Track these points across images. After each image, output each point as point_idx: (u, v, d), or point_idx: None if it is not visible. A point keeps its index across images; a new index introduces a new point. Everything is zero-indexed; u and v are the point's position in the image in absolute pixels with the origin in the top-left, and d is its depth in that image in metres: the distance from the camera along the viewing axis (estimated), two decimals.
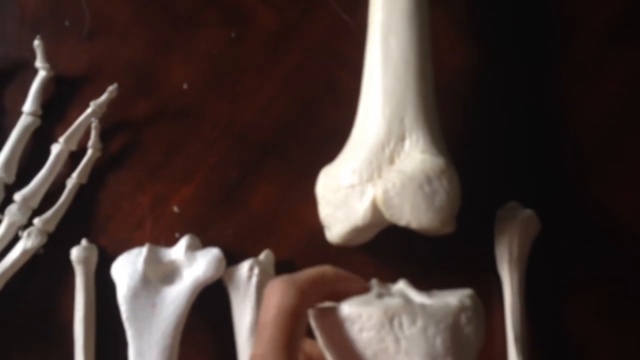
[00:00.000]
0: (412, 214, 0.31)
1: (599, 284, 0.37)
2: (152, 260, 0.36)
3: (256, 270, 0.36)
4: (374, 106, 0.34)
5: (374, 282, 0.27)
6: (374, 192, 0.32)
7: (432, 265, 0.37)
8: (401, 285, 0.27)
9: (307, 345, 0.28)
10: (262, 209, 0.39)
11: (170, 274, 0.36)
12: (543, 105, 0.40)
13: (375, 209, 0.32)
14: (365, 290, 0.27)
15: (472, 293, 0.26)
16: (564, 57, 0.40)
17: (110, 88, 0.39)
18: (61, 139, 0.38)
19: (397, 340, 0.25)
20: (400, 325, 0.25)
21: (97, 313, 0.37)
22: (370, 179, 0.33)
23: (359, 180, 0.33)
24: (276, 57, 0.41)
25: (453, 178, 0.32)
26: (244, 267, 0.36)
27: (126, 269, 0.35)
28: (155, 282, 0.35)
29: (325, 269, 0.26)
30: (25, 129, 0.39)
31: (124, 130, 0.40)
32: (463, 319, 0.25)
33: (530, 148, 0.39)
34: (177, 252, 0.36)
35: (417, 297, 0.26)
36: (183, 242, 0.36)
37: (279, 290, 0.25)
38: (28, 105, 0.39)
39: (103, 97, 0.39)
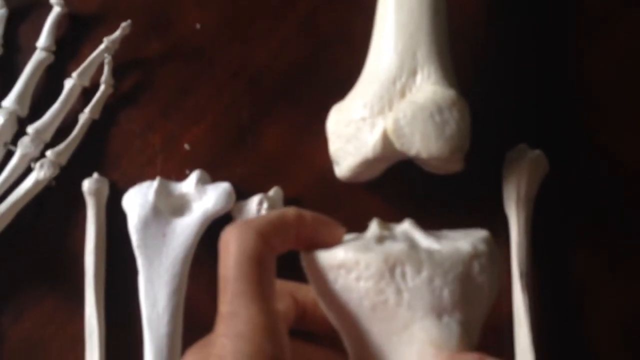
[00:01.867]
0: (422, 143, 0.31)
1: (605, 227, 0.38)
2: (163, 193, 0.36)
3: (265, 205, 0.36)
4: (386, 41, 0.34)
5: (374, 222, 0.24)
6: (384, 124, 0.32)
7: (440, 205, 0.37)
8: (406, 226, 0.24)
9: (300, 291, 0.25)
10: (272, 149, 0.39)
11: (180, 207, 0.36)
12: (554, 52, 0.40)
13: (385, 140, 0.32)
14: (340, 238, 0.24)
15: (487, 236, 0.23)
16: (578, 5, 0.40)
17: (124, 24, 0.39)
18: (74, 74, 0.39)
19: (398, 292, 0.22)
20: (403, 275, 0.22)
21: (107, 245, 0.37)
22: (381, 112, 0.33)
23: (370, 113, 0.33)
24: (291, 0, 0.41)
25: (464, 109, 0.32)
26: (254, 201, 0.36)
27: (137, 200, 0.36)
28: (166, 213, 0.35)
29: (287, 211, 0.23)
30: (39, 63, 0.39)
31: (137, 69, 0.40)
32: (476, 267, 0.22)
33: (540, 93, 0.39)
34: (188, 185, 0.37)
35: (424, 240, 0.23)
36: (193, 176, 0.37)
37: (235, 236, 0.21)
38: (42, 41, 0.39)
39: (116, 34, 0.39)
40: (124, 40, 0.40)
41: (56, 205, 0.38)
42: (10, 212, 0.37)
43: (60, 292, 0.37)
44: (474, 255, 0.22)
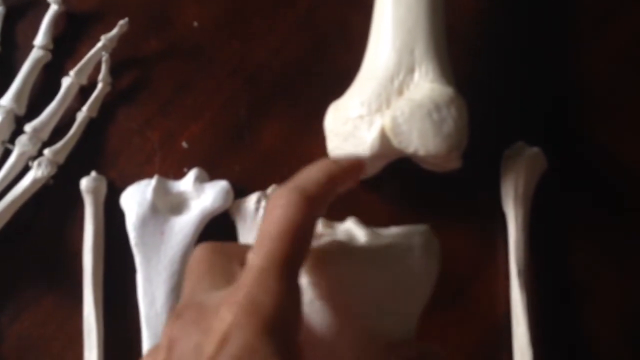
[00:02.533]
0: (419, 141, 0.31)
1: (603, 225, 0.38)
2: (161, 191, 0.36)
3: (263, 203, 0.36)
4: (384, 39, 0.34)
5: (320, 222, 0.25)
6: (382, 122, 0.32)
7: (437, 202, 0.37)
8: (348, 225, 0.25)
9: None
10: (270, 147, 0.39)
11: (178, 205, 0.36)
12: (552, 51, 0.40)
13: (383, 138, 0.32)
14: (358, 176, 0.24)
15: (425, 229, 0.24)
16: (578, 3, 0.40)
17: (121, 22, 0.39)
18: (72, 72, 0.39)
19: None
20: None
21: (105, 244, 0.37)
22: (378, 109, 0.33)
23: (367, 111, 0.33)
24: None
25: (461, 107, 0.32)
26: (252, 199, 0.36)
27: (135, 198, 0.36)
28: (164, 211, 0.35)
29: (330, 167, 0.23)
30: (37, 62, 0.39)
31: (135, 67, 0.40)
32: (409, 259, 0.23)
33: (538, 91, 0.39)
34: (186, 183, 0.37)
35: (363, 237, 0.24)
36: (191, 174, 0.37)
37: (287, 202, 0.22)
38: (39, 39, 0.39)
39: (114, 32, 0.39)
40: (122, 38, 0.39)
41: (54, 203, 0.38)
42: (8, 211, 0.37)
43: (58, 291, 0.37)
44: (407, 248, 0.23)
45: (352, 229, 0.24)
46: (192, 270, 0.23)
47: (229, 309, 0.20)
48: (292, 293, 0.21)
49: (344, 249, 0.23)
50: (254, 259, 0.21)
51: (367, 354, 0.22)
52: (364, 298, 0.23)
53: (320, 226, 0.24)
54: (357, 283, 0.23)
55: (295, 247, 0.21)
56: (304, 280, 0.23)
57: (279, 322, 0.20)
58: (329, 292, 0.23)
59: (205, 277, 0.22)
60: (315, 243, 0.23)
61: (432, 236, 0.24)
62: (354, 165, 0.24)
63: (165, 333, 0.21)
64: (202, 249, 0.23)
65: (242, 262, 0.22)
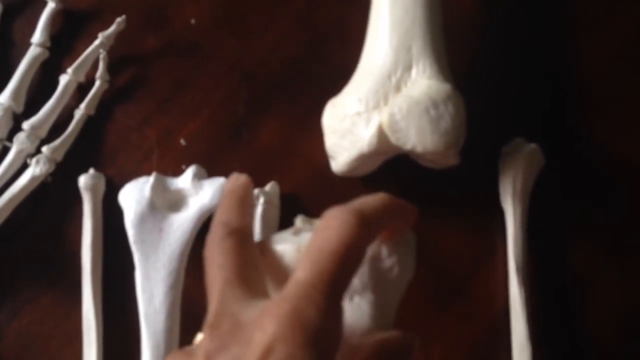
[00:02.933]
0: (417, 137, 0.31)
1: (601, 221, 0.38)
2: (159, 188, 0.36)
3: (262, 199, 0.36)
4: (381, 36, 0.34)
5: (298, 218, 0.26)
6: (379, 118, 0.32)
7: (436, 199, 0.37)
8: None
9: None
10: (268, 144, 0.39)
11: (177, 202, 0.36)
12: (550, 48, 0.40)
13: (381, 134, 0.32)
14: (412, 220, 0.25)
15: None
16: (576, 0, 0.40)
17: (119, 20, 0.39)
18: (69, 70, 0.39)
19: None
20: None
21: (104, 241, 0.37)
22: (376, 106, 0.33)
23: (365, 108, 0.33)
24: None
25: (459, 104, 0.32)
26: None
27: (133, 195, 0.35)
28: (162, 209, 0.35)
29: (388, 199, 0.24)
30: (34, 59, 0.39)
31: (132, 65, 0.40)
32: (383, 252, 0.24)
33: (536, 88, 0.39)
34: (184, 181, 0.37)
35: None
36: (190, 171, 0.37)
37: (342, 223, 0.22)
38: (37, 37, 0.39)
39: (111, 29, 0.39)
40: (119, 35, 0.39)
41: (52, 201, 0.38)
42: (6, 209, 0.37)
43: (57, 289, 0.37)
44: (380, 241, 0.23)
45: None
46: (216, 275, 0.23)
47: (272, 320, 0.20)
48: (336, 311, 0.21)
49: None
50: (302, 273, 0.21)
51: (343, 345, 0.22)
52: None
53: (299, 221, 0.25)
54: None
55: (345, 267, 0.21)
56: (286, 273, 0.23)
57: (323, 338, 0.20)
58: None
59: (235, 285, 0.22)
60: (295, 238, 0.24)
61: (410, 233, 0.25)
62: (410, 207, 0.25)
63: (201, 346, 0.21)
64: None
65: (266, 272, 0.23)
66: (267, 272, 0.25)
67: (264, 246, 0.26)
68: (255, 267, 0.24)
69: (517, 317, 0.35)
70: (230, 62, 0.40)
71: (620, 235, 0.37)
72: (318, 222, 0.23)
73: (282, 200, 0.38)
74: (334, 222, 0.22)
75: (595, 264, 0.37)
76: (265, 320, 0.20)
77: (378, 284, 0.24)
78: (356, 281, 0.23)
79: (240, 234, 0.24)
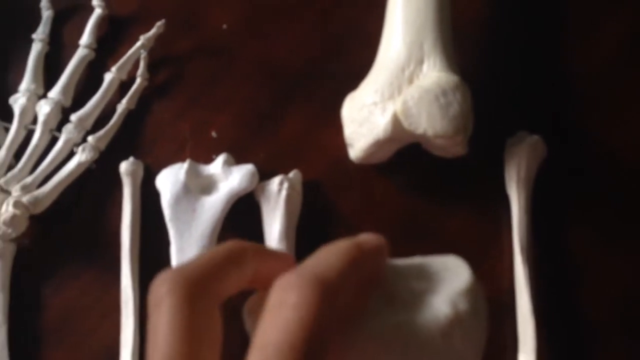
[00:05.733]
0: (428, 122, 0.34)
1: (599, 206, 0.40)
2: (193, 173, 0.40)
3: (285, 185, 0.39)
4: (396, 35, 0.38)
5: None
6: (394, 107, 0.36)
7: (446, 186, 0.41)
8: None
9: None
10: (291, 136, 0.43)
11: (208, 186, 0.40)
12: (553, 44, 0.43)
13: (395, 121, 0.35)
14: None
15: (467, 282, 0.19)
16: None
17: (158, 24, 0.43)
18: (113, 69, 0.43)
19: None
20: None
21: (141, 221, 0.41)
22: (391, 97, 0.36)
23: (380, 98, 0.36)
24: (307, 0, 0.45)
25: (466, 93, 0.35)
26: (275, 181, 0.40)
27: (169, 179, 0.39)
28: (195, 191, 0.39)
29: (350, 250, 0.19)
30: (81, 59, 0.43)
31: (169, 65, 0.44)
32: (457, 334, 0.18)
33: (539, 83, 0.42)
34: (215, 167, 0.40)
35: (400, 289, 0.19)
36: (220, 158, 0.40)
37: (299, 300, 0.17)
38: (84, 39, 0.44)
39: (151, 32, 0.43)
40: (158, 38, 0.44)
41: (96, 185, 0.42)
42: (54, 191, 0.40)
43: (98, 265, 0.41)
44: (455, 320, 0.18)
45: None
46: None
47: None
48: None
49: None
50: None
51: None
52: None
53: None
54: None
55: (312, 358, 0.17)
56: None
57: None
58: None
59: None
60: None
61: (477, 285, 0.19)
62: (377, 246, 0.21)
63: None
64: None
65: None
66: None
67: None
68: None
69: (521, 293, 0.37)
70: (256, 61, 0.44)
71: (617, 219, 0.40)
72: (271, 294, 0.18)
73: (304, 186, 0.41)
74: (289, 299, 0.17)
75: (592, 245, 0.39)
76: None
77: None
78: None
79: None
